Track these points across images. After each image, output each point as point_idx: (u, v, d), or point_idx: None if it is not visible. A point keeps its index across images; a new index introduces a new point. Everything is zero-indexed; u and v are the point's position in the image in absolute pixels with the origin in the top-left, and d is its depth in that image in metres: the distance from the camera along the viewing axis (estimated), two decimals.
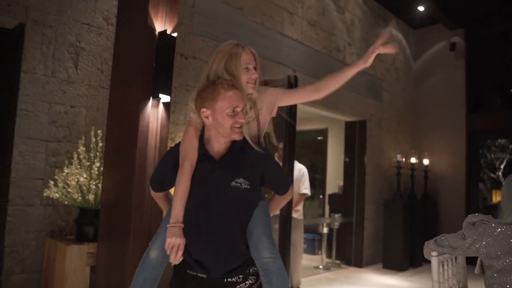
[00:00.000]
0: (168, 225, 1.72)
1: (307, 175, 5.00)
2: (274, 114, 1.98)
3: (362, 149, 7.24)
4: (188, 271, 1.77)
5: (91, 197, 3.53)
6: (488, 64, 7.86)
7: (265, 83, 2.11)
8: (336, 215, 6.92)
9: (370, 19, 7.38)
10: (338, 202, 7.52)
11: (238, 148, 1.78)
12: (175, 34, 3.32)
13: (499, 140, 9.66)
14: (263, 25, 5.39)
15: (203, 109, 1.74)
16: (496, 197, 9.25)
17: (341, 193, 7.58)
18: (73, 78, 3.96)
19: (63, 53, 3.90)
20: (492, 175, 9.66)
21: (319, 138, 8.99)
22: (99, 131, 3.72)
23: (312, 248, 7.70)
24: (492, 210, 7.64)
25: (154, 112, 3.23)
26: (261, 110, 1.92)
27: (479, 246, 1.91)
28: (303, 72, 5.68)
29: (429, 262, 2.11)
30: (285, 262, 4.63)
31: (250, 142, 1.80)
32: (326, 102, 6.41)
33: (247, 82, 1.84)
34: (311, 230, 7.36)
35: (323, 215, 8.32)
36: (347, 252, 7.11)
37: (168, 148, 2.23)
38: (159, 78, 3.18)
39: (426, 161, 7.80)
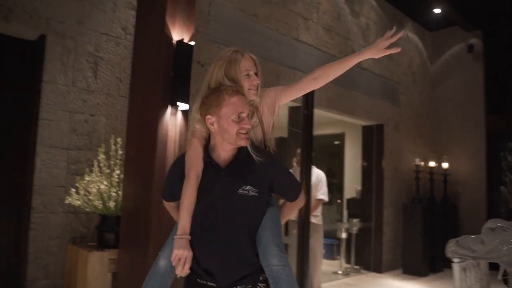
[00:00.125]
0: (175, 237, 1.71)
1: (325, 180, 4.99)
2: (276, 114, 1.94)
3: (380, 153, 7.19)
4: (198, 280, 1.76)
5: (111, 204, 3.57)
6: (508, 64, 7.72)
7: None
8: (355, 220, 6.87)
9: (386, 23, 7.34)
10: (356, 207, 7.48)
11: (244, 155, 1.75)
12: (192, 43, 3.36)
13: None
14: (278, 31, 5.41)
15: (208, 116, 1.73)
16: None
17: (359, 197, 7.52)
18: (93, 87, 4.04)
19: (83, 63, 3.98)
20: None
21: (336, 142, 8.96)
22: (118, 139, 3.78)
23: (330, 253, 7.65)
24: None
25: (172, 120, 3.26)
26: (263, 113, 1.89)
27: (499, 253, 1.89)
28: None
29: (450, 267, 2.09)
30: (303, 267, 4.62)
31: (251, 148, 1.76)
32: (343, 107, 6.40)
33: (249, 89, 1.81)
34: (329, 235, 7.31)
35: (341, 220, 8.27)
36: (366, 257, 7.05)
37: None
38: (177, 86, 3.22)
39: (445, 165, 7.69)
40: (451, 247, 2.12)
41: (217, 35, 4.71)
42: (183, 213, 1.72)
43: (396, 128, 7.50)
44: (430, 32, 8.49)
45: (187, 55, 3.29)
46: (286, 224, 5.24)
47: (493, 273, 2.36)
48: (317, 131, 7.21)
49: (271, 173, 1.79)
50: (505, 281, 2.01)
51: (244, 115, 1.71)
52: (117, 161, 3.72)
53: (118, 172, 3.64)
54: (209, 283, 1.74)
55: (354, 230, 6.80)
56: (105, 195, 3.58)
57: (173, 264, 1.67)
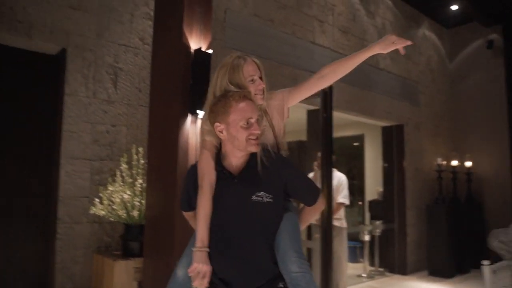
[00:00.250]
0: (193, 249, 1.68)
1: (346, 184, 4.93)
2: (286, 116, 1.90)
3: (401, 154, 7.10)
4: None
5: (135, 213, 3.61)
6: None
7: None
8: (377, 222, 6.79)
9: (402, 22, 7.27)
10: (378, 209, 7.39)
11: (256, 161, 1.71)
12: (210, 51, 3.38)
13: None
14: (294, 35, 5.41)
15: (217, 124, 1.70)
16: None
17: (381, 199, 7.44)
18: (113, 98, 4.10)
19: (103, 74, 4.05)
20: None
21: (355, 144, 8.89)
22: (140, 149, 3.82)
23: (353, 256, 7.56)
24: None
25: (193, 128, 3.28)
26: (272, 117, 1.86)
27: None
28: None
29: (477, 268, 2.04)
30: (327, 271, 4.58)
31: (262, 153, 1.73)
32: (361, 108, 6.35)
33: (255, 94, 1.77)
34: (352, 237, 7.22)
35: (363, 222, 8.19)
36: (390, 259, 6.95)
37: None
38: (196, 95, 3.24)
39: (468, 163, 7.55)
40: (494, 238, 2.06)
41: (233, 41, 4.73)
42: (200, 224, 1.70)
43: (417, 128, 7.40)
44: (447, 30, 8.37)
45: (205, 63, 3.31)
46: (309, 228, 5.21)
47: None
48: (336, 133, 7.17)
49: (284, 177, 1.74)
50: None
51: (252, 120, 1.67)
52: (139, 170, 3.76)
53: (140, 181, 3.68)
54: None
55: (377, 232, 6.72)
56: (128, 204, 3.62)
57: (191, 276, 1.65)
